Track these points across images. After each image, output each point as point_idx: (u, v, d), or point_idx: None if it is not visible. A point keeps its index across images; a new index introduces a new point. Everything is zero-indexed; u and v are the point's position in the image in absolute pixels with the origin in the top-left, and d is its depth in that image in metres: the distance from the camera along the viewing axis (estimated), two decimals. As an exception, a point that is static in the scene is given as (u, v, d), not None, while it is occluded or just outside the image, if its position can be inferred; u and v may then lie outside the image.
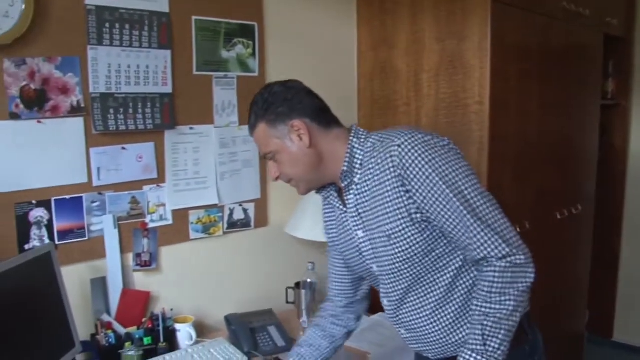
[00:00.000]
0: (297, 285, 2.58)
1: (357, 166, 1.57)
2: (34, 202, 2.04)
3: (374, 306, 2.82)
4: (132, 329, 2.19)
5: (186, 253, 2.45)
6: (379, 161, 1.50)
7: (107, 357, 2.06)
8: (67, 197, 2.11)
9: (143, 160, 2.27)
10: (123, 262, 2.26)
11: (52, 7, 2.01)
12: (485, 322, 1.41)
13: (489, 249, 1.41)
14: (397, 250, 1.51)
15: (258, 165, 2.62)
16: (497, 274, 1.41)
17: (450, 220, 1.43)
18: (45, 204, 2.06)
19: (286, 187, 2.65)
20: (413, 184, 1.43)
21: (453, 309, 1.55)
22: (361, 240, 1.62)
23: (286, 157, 1.59)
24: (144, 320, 2.24)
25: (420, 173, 1.42)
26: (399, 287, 1.59)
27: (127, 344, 2.10)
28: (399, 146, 1.45)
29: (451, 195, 1.41)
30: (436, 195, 1.42)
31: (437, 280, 1.54)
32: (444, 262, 1.52)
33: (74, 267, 2.14)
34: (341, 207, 1.65)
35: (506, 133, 2.62)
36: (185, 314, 2.35)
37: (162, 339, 2.19)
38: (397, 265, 1.54)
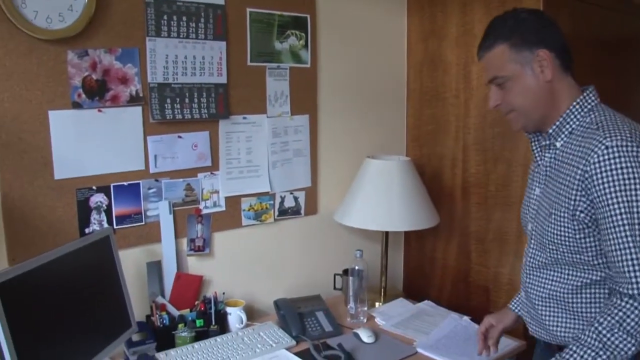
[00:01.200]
0: (345, 272, 2.61)
1: (566, 132, 1.55)
2: (94, 187, 2.12)
3: (420, 294, 2.84)
4: (185, 312, 2.26)
5: (238, 239, 2.51)
6: (583, 145, 1.47)
7: (162, 337, 2.13)
8: (125, 183, 2.19)
9: (198, 149, 2.33)
10: (177, 247, 2.33)
11: (112, 1, 2.08)
12: (599, 352, 1.39)
13: (632, 276, 1.37)
14: (549, 229, 1.54)
15: (309, 154, 2.66)
16: (634, 311, 1.37)
17: (611, 235, 1.39)
18: (104, 190, 2.14)
19: (336, 176, 2.74)
20: (595, 189, 1.41)
21: (566, 309, 1.57)
22: (535, 197, 1.66)
23: (519, 86, 1.55)
24: (196, 303, 2.31)
25: (607, 185, 1.38)
26: (537, 257, 1.64)
27: (180, 326, 2.18)
28: (607, 148, 1.40)
29: (623, 215, 1.37)
30: (609, 211, 1.39)
31: (570, 278, 1.55)
32: (586, 268, 1.52)
33: (131, 250, 2.22)
34: (537, 158, 1.69)
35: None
36: (236, 298, 2.41)
37: (213, 322, 2.25)
38: (545, 239, 1.56)
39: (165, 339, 2.14)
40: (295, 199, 2.65)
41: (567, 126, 1.55)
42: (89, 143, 2.09)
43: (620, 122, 1.47)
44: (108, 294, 1.93)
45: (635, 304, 1.36)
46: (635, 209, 1.36)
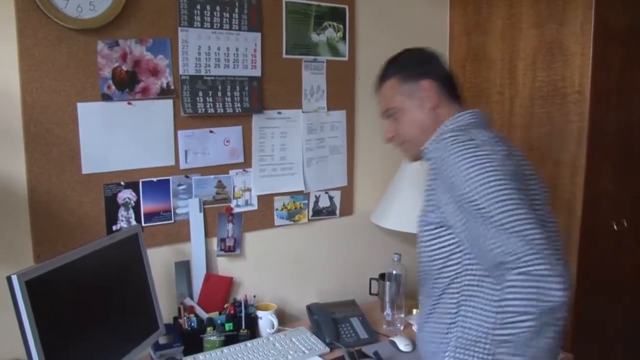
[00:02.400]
0: (382, 276, 2.52)
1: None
2: (122, 183, 2.05)
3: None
4: (214, 314, 2.19)
5: (270, 239, 2.43)
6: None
7: (189, 341, 2.06)
8: (154, 179, 2.11)
9: (230, 144, 2.25)
10: (207, 247, 2.26)
11: (144, -11, 2.02)
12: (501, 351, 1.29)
13: (505, 252, 1.30)
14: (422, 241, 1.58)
15: (345, 152, 2.57)
16: (513, 289, 1.26)
17: (463, 222, 1.41)
18: (133, 186, 2.08)
19: (373, 175, 2.64)
20: (432, 181, 1.51)
21: (434, 324, 1.57)
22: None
23: (407, 116, 1.63)
24: (226, 306, 2.24)
25: (441, 171, 1.45)
26: (419, 269, 1.64)
27: (209, 329, 2.10)
28: (430, 144, 1.55)
29: (463, 199, 1.39)
30: (449, 196, 1.43)
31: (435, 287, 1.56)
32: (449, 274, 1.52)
33: (159, 249, 2.16)
34: None
35: (607, 125, 2.46)
36: (266, 302, 2.34)
37: (243, 326, 2.18)
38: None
39: (193, 343, 2.07)
40: (331, 198, 2.56)
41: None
42: (117, 137, 2.02)
43: (474, 136, 1.47)
44: (135, 294, 1.87)
45: (519, 276, 1.27)
46: (473, 188, 1.39)
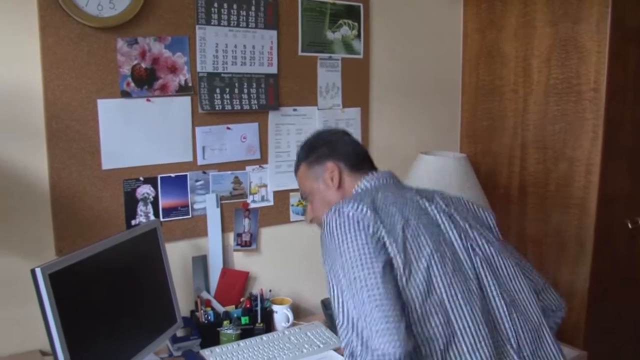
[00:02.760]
0: (395, 272, 2.52)
1: None
2: (141, 178, 2.08)
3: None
4: (230, 308, 2.22)
5: (285, 235, 2.45)
6: None
7: (206, 333, 2.08)
8: (172, 175, 2.14)
9: (247, 141, 2.28)
10: (224, 242, 2.29)
11: (163, -13, 2.04)
12: None
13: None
14: None
15: (360, 149, 2.58)
16: None
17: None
18: (151, 181, 2.10)
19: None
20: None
21: None
22: None
23: (318, 198, 1.65)
24: (242, 300, 2.26)
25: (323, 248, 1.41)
26: None
27: (226, 323, 2.13)
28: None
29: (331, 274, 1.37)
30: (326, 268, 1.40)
31: None
32: None
33: (176, 244, 2.18)
34: None
35: (623, 122, 2.46)
36: (282, 296, 2.36)
37: (259, 320, 2.20)
38: None
39: (210, 336, 2.09)
40: (345, 194, 2.57)
41: None
42: (136, 133, 2.05)
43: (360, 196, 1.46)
44: (154, 288, 1.90)
45: None
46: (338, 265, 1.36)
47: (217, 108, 2.18)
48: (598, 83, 2.36)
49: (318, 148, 1.66)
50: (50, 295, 1.42)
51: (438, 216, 1.46)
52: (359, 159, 1.66)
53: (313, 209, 1.68)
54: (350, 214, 1.35)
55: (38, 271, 1.42)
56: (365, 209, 1.36)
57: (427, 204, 1.47)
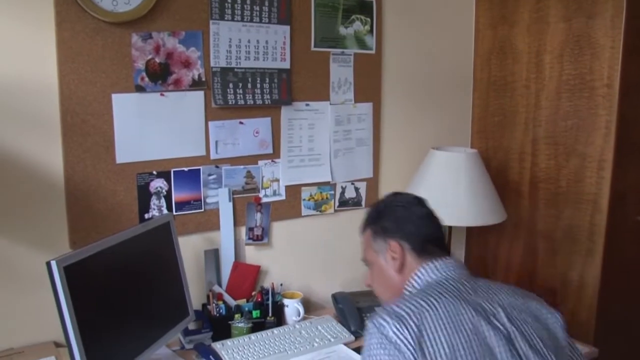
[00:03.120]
0: (406, 267, 2.53)
1: None
2: (154, 172, 2.10)
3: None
4: (242, 302, 2.23)
5: (297, 229, 2.46)
6: None
7: (218, 327, 2.10)
8: (185, 169, 2.15)
9: (259, 135, 2.29)
10: (236, 235, 2.30)
11: (177, -18, 2.05)
12: None
13: None
14: None
15: (372, 144, 2.59)
16: None
17: None
18: (164, 175, 2.12)
19: (398, 167, 2.66)
20: None
21: None
22: None
23: (376, 272, 1.58)
24: (253, 293, 2.28)
25: None
26: None
27: (237, 316, 2.14)
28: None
29: None
30: None
31: None
32: None
33: (189, 237, 2.20)
34: None
35: (636, 119, 2.44)
36: (293, 290, 2.37)
37: (270, 313, 2.21)
38: None
39: (222, 329, 2.11)
40: (357, 189, 2.58)
41: None
42: (150, 127, 2.06)
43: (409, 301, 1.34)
44: (167, 281, 1.92)
45: None
46: None
47: (230, 103, 2.19)
48: (611, 79, 2.35)
49: (385, 219, 1.57)
50: (65, 287, 1.45)
51: (496, 346, 1.30)
52: (426, 242, 1.52)
53: (372, 280, 1.60)
54: (393, 339, 1.26)
55: (53, 264, 1.44)
56: (409, 337, 1.26)
57: (485, 329, 1.31)
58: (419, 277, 1.46)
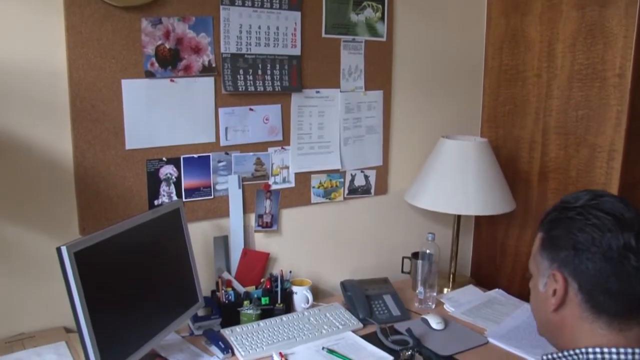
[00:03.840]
0: (414, 255, 2.53)
1: None
2: (164, 159, 2.09)
3: (488, 281, 2.74)
4: (251, 288, 2.23)
5: (306, 216, 2.46)
6: None
7: (227, 313, 2.10)
8: (195, 155, 2.15)
9: (269, 122, 2.28)
10: (245, 222, 2.29)
11: (188, -33, 2.03)
12: None
13: None
14: None
15: (382, 132, 2.58)
16: None
17: None
18: (174, 162, 2.11)
19: (408, 156, 2.65)
20: None
21: None
22: None
23: (533, 292, 1.26)
24: (262, 280, 2.28)
25: None
26: None
27: (246, 303, 2.14)
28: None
29: None
30: None
31: None
32: None
33: (198, 224, 2.20)
34: None
35: (648, 109, 2.44)
36: (301, 277, 2.37)
37: (279, 300, 2.21)
38: None
39: (230, 315, 2.11)
40: (366, 177, 2.57)
41: None
42: (160, 113, 2.06)
43: None
44: (177, 267, 1.92)
45: None
46: None
47: (240, 89, 2.18)
48: (624, 69, 2.33)
49: (561, 238, 1.16)
50: (75, 273, 1.45)
51: None
52: (610, 300, 1.11)
53: (531, 294, 1.29)
54: None
55: (64, 249, 1.44)
56: None
57: None
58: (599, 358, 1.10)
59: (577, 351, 1.12)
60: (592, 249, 1.10)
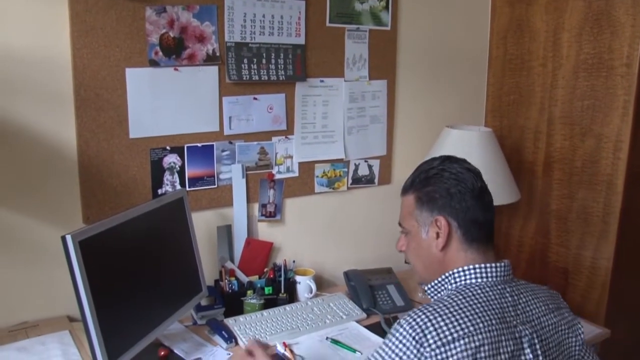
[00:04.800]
0: (418, 246, 2.52)
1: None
2: (168, 148, 2.09)
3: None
4: (254, 278, 2.23)
5: (310, 206, 2.46)
6: None
7: (230, 303, 2.10)
8: (199, 144, 2.14)
9: (273, 112, 2.27)
10: (248, 212, 2.29)
11: (192, -45, 2.02)
12: None
13: None
14: None
15: (386, 121, 2.57)
16: None
17: None
18: (178, 151, 2.11)
19: (412, 145, 2.64)
20: None
21: None
22: None
23: (414, 243, 1.47)
24: (265, 270, 2.28)
25: None
26: None
27: (249, 292, 2.14)
28: (429, 288, 1.44)
29: None
30: None
31: None
32: None
33: (202, 213, 2.20)
34: None
35: (655, 99, 2.42)
36: (305, 267, 2.37)
37: (282, 290, 2.21)
38: None
39: (234, 305, 2.11)
40: (370, 167, 2.57)
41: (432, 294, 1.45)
42: (164, 102, 2.05)
43: (443, 313, 1.26)
44: (180, 256, 1.92)
45: None
46: None
47: (244, 78, 2.17)
48: (631, 58, 2.31)
49: (435, 188, 1.42)
50: (80, 261, 1.44)
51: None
52: (477, 226, 1.40)
53: (407, 248, 1.51)
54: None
55: (68, 238, 1.43)
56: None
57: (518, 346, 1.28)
58: (465, 275, 1.37)
59: (447, 274, 1.39)
60: (462, 191, 1.39)
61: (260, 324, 2.01)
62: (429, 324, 1.23)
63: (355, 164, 2.52)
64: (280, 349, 1.88)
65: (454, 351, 1.21)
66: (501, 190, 2.44)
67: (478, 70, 2.88)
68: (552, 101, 2.60)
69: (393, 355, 1.24)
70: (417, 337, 1.22)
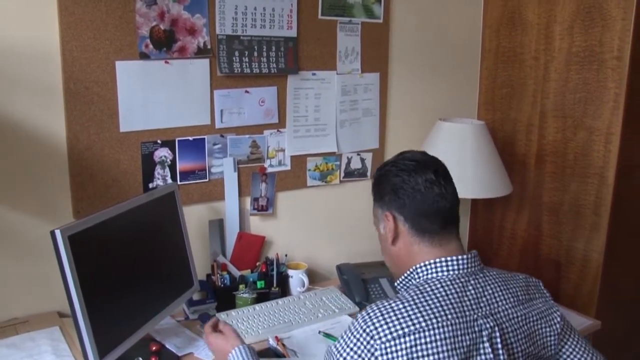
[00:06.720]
0: (410, 239, 2.52)
1: None
2: (159, 141, 2.07)
3: (484, 264, 2.74)
4: (246, 272, 2.22)
5: (302, 200, 2.45)
6: None
7: (222, 297, 2.09)
8: (190, 138, 2.13)
9: (265, 105, 2.26)
10: (240, 206, 2.28)
11: (183, -54, 2.00)
12: None
13: None
14: None
15: (378, 114, 2.56)
16: None
17: None
18: (169, 144, 2.10)
19: (404, 138, 2.64)
20: None
21: None
22: None
23: (380, 241, 1.53)
24: (258, 264, 2.27)
25: None
26: None
27: (241, 286, 2.13)
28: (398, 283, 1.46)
29: None
30: None
31: None
32: None
33: (193, 207, 2.19)
34: None
35: (646, 92, 2.42)
36: (297, 261, 2.36)
37: (275, 284, 2.20)
38: None
39: (226, 299, 2.10)
40: (362, 160, 2.56)
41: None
42: (154, 95, 2.03)
43: (398, 309, 1.28)
44: (171, 251, 1.91)
45: None
46: None
47: (235, 71, 2.16)
48: (622, 51, 2.31)
49: (383, 185, 1.47)
50: (69, 256, 1.43)
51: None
52: (429, 222, 1.40)
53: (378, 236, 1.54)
54: (377, 353, 1.25)
55: (58, 233, 1.42)
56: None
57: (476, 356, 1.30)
58: (427, 270, 1.38)
59: (411, 269, 1.40)
60: (405, 187, 1.42)
61: (253, 318, 2.00)
62: (380, 318, 1.27)
63: (347, 158, 2.52)
64: (272, 343, 1.87)
65: (402, 345, 1.24)
66: (494, 183, 2.44)
67: (471, 63, 2.88)
68: (544, 94, 2.60)
69: (346, 348, 1.29)
70: (368, 330, 1.27)
